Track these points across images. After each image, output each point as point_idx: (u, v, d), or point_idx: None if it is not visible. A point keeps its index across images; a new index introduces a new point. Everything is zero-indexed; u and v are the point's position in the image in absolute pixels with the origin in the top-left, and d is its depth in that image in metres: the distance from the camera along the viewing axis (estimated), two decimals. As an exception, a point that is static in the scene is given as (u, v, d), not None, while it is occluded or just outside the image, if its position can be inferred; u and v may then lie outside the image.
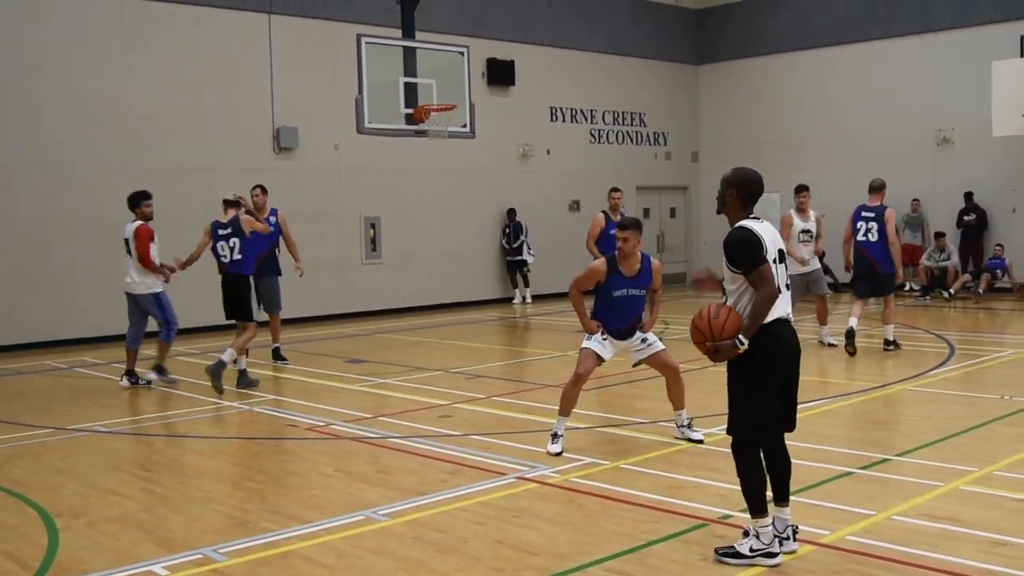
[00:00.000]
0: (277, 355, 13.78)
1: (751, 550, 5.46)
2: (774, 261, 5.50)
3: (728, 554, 5.51)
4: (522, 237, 22.28)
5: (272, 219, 13.23)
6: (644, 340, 8.36)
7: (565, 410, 8.21)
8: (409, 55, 14.68)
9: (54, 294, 16.29)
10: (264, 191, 13.35)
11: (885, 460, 7.56)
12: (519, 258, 22.32)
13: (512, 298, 22.52)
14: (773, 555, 5.44)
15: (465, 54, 15.10)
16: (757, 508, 5.50)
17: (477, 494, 6.98)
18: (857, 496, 6.62)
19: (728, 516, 6.25)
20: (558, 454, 7.98)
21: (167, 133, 17.67)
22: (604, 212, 13.64)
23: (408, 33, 15.41)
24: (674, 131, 26.37)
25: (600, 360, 8.32)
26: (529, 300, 22.29)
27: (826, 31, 24.11)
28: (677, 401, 8.38)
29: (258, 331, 12.18)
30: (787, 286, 5.60)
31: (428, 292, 21.30)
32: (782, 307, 5.49)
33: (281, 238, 13.65)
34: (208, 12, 18.16)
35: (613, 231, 13.09)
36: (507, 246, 22.40)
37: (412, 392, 11.31)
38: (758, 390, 5.46)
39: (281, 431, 9.53)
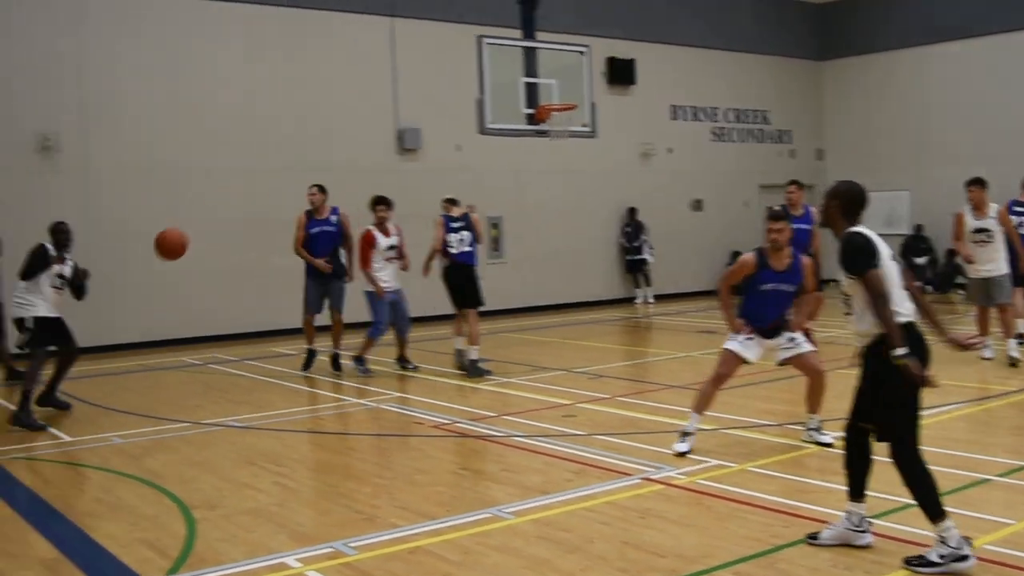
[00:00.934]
0: (335, 363, 13.06)
1: (940, 556, 5.32)
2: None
3: (920, 563, 5.35)
4: (642, 236, 22.17)
5: (333, 218, 12.90)
6: (791, 339, 8.20)
7: (700, 408, 8.16)
8: (530, 55, 14.76)
9: (188, 292, 16.79)
10: (322, 190, 12.95)
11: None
12: (639, 257, 22.22)
13: (634, 298, 22.43)
14: (964, 558, 5.28)
15: (586, 53, 15.13)
16: (935, 512, 5.39)
17: (602, 494, 6.97)
18: (995, 504, 6.42)
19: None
20: (684, 454, 7.93)
21: (293, 135, 18.09)
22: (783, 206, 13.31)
23: (529, 34, 15.50)
24: (798, 128, 25.91)
25: (743, 361, 8.20)
26: (651, 300, 22.17)
27: (955, 24, 23.36)
28: (813, 404, 8.22)
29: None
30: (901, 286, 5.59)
31: (550, 291, 21.35)
32: (908, 307, 5.52)
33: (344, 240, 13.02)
34: (332, 16, 18.54)
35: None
36: (627, 245, 22.32)
37: (535, 391, 11.35)
38: (907, 393, 5.45)
39: (407, 428, 9.66)
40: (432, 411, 10.36)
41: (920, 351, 5.43)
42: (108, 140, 16.42)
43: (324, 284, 12.84)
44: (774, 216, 8.01)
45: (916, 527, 5.72)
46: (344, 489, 7.42)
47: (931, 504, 5.40)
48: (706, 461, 7.75)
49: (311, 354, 13.14)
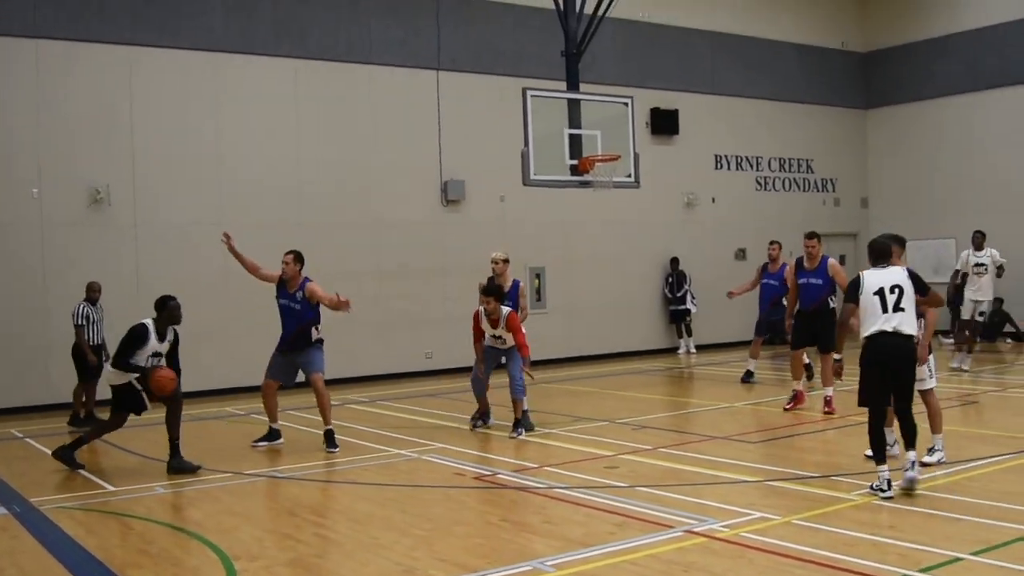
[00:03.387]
0: (329, 441, 11.37)
1: (871, 487, 8.07)
2: (876, 293, 8.17)
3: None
4: (685, 286, 22.10)
5: (299, 294, 11.50)
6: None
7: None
8: (574, 107, 14.81)
9: (234, 343, 16.91)
10: (297, 259, 11.60)
11: (1077, 521, 7.15)
12: (682, 307, 22.14)
13: (677, 348, 22.32)
14: (884, 490, 7.93)
15: (629, 104, 15.13)
16: (876, 459, 8.15)
17: (644, 547, 6.89)
18: (1047, 558, 6.28)
19: (907, 576, 6.00)
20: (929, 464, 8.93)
21: (340, 188, 18.30)
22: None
23: (573, 85, 15.58)
24: (843, 177, 25.80)
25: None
26: (693, 350, 22.05)
27: (999, 72, 23.22)
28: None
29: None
30: (894, 308, 8.11)
31: (592, 342, 21.30)
32: (879, 324, 8.12)
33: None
34: (378, 70, 18.80)
35: (803, 281, 12.86)
36: (670, 295, 22.26)
37: (577, 442, 11.28)
38: (863, 378, 8.31)
39: (448, 479, 9.63)
40: (474, 462, 10.34)
41: (884, 351, 8.10)
42: (157, 194, 16.71)
43: (290, 353, 11.64)
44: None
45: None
46: (384, 540, 7.40)
47: (875, 452, 8.17)
48: (749, 514, 7.65)
49: (272, 433, 11.80)
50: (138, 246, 16.50)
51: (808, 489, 8.54)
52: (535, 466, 10.03)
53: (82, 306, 13.86)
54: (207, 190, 17.15)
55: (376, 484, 9.49)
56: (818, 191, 25.37)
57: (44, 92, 15.92)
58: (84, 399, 13.99)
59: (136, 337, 10.25)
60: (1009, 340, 21.84)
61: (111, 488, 9.72)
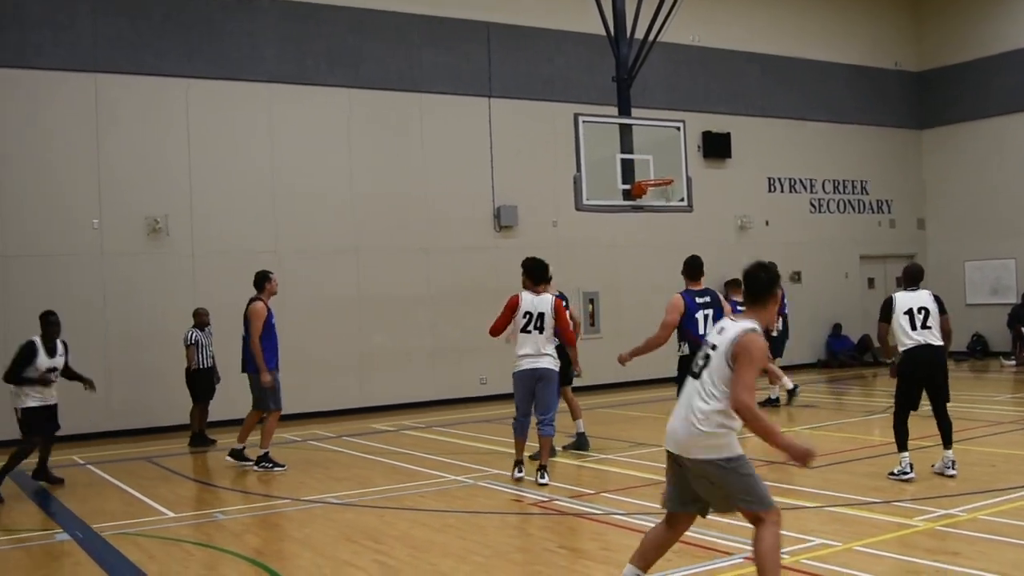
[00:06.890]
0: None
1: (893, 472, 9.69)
2: (906, 313, 9.72)
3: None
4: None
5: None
6: None
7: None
8: (625, 132, 14.79)
9: (291, 370, 16.98)
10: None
11: None
12: (738, 331, 21.95)
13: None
14: (906, 474, 9.50)
15: (681, 128, 15.10)
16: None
17: (704, 574, 6.85)
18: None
19: (973, 604, 5.90)
20: None
21: (394, 215, 18.45)
22: None
23: (624, 110, 15.57)
24: (898, 198, 25.53)
25: None
26: (749, 373, 21.83)
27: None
28: None
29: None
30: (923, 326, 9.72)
31: (647, 366, 21.09)
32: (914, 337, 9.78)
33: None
34: (430, 98, 18.95)
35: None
36: (726, 319, 22.09)
37: (634, 468, 11.23)
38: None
39: (506, 506, 9.62)
40: (531, 488, 10.31)
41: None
42: (214, 223, 16.95)
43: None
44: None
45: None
46: (443, 567, 7.40)
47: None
48: (810, 540, 7.57)
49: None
50: (195, 274, 16.73)
51: (869, 515, 8.43)
52: (592, 492, 10.00)
53: (192, 332, 14.74)
54: (263, 218, 17.38)
55: (433, 510, 9.50)
56: (873, 212, 25.13)
57: (103, 125, 16.24)
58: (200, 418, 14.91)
59: (24, 354, 11.02)
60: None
61: (171, 514, 9.83)
